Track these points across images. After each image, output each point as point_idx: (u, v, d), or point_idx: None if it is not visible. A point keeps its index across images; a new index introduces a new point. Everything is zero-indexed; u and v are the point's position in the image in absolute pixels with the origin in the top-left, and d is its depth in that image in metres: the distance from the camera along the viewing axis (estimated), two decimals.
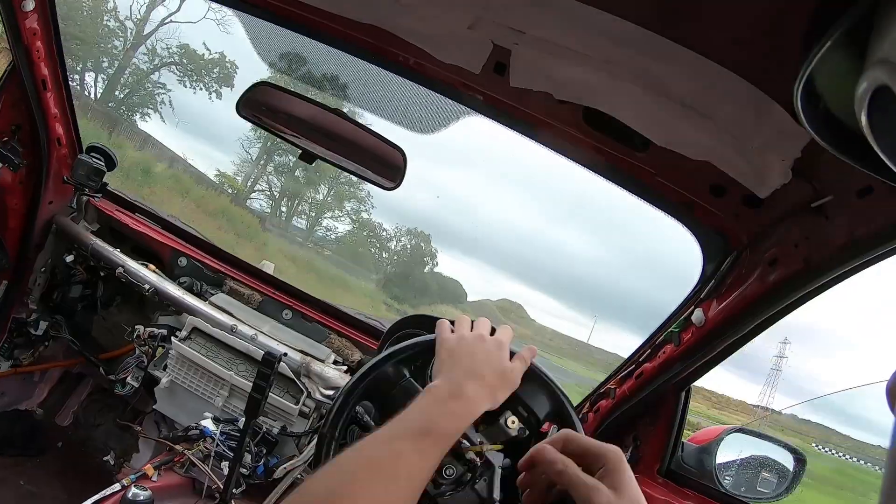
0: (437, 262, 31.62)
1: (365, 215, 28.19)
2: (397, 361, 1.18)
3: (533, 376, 1.24)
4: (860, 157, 0.52)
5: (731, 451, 1.58)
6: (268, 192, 25.45)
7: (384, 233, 29.97)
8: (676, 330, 1.41)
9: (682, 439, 1.61)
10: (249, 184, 24.79)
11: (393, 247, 30.58)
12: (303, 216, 26.96)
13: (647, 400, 1.55)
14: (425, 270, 31.22)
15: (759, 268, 1.15)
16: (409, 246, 31.02)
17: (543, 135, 1.32)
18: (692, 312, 1.34)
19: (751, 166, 1.05)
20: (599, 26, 0.95)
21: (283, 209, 26.26)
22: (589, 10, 0.93)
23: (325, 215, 27.32)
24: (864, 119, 0.44)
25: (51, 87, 1.86)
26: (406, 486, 0.67)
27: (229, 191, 23.44)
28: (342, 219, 27.61)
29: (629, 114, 1.10)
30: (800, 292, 1.08)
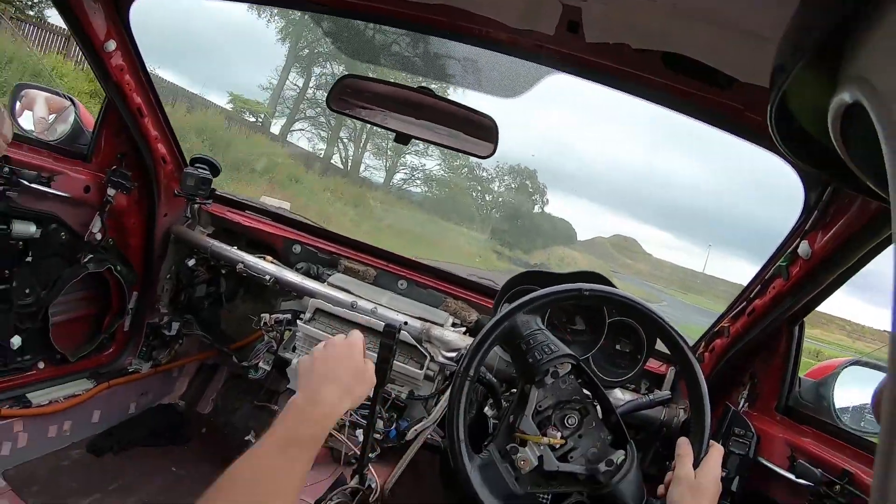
0: (546, 200, 28.53)
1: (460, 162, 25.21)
2: (530, 310, 1.27)
3: (652, 321, 1.28)
4: (831, 171, 0.55)
5: (848, 385, 1.53)
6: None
7: (484, 173, 26.86)
8: (784, 264, 1.40)
9: (800, 374, 1.60)
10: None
11: (496, 188, 27.57)
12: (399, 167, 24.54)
13: (761, 337, 1.55)
14: (534, 210, 28.48)
15: (860, 196, 1.11)
16: (513, 185, 27.81)
17: (627, 84, 1.32)
18: (798, 245, 1.33)
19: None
20: None
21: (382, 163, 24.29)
22: None
23: (422, 163, 24.23)
24: (837, 135, 0.45)
25: (147, 113, 2.01)
26: (285, 491, 0.83)
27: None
28: (437, 165, 24.45)
29: (708, 53, 1.09)
30: None
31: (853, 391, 1.52)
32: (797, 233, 1.36)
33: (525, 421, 1.21)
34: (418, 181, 24.67)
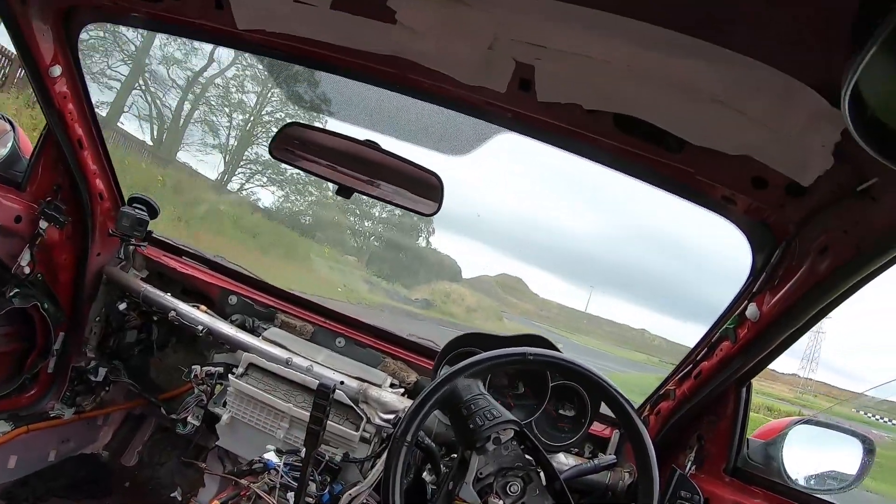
0: (432, 230, 25.49)
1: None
2: (472, 374, 1.23)
3: (596, 385, 1.26)
4: None
5: (797, 444, 1.53)
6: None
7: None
8: (732, 326, 1.40)
9: (747, 436, 1.58)
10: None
11: (377, 213, 23.45)
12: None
13: (709, 399, 1.53)
14: (418, 244, 25.76)
15: (810, 257, 1.13)
16: (398, 212, 23.12)
17: (578, 145, 1.32)
18: (746, 308, 1.33)
19: (791, 155, 1.04)
20: (618, 31, 0.95)
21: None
22: (606, 17, 0.93)
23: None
24: None
25: (87, 146, 1.94)
26: None
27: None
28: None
29: (660, 116, 1.10)
30: (854, 278, 1.06)
31: (803, 451, 1.52)
32: (744, 295, 1.36)
33: (465, 489, 1.17)
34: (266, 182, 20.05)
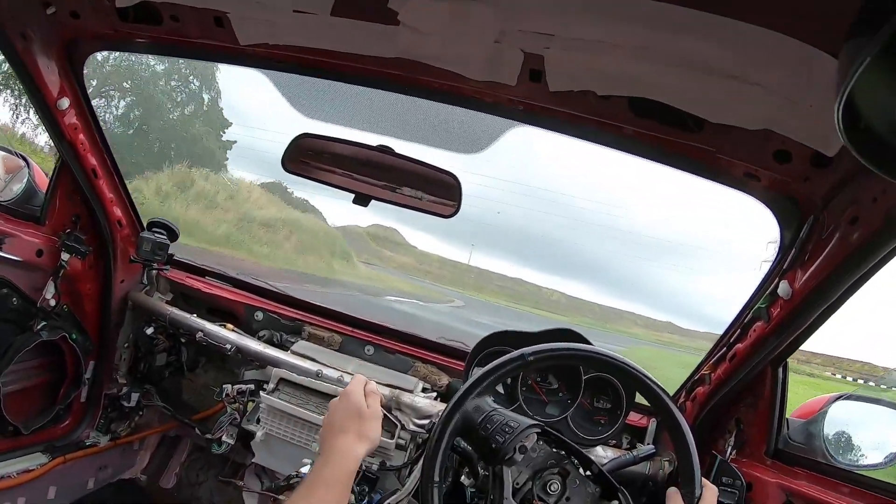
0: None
1: None
2: (478, 393, 1.20)
3: (628, 374, 1.23)
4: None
5: (839, 420, 1.50)
6: None
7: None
8: (764, 305, 1.37)
9: (787, 416, 1.55)
10: None
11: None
12: None
13: (745, 381, 1.51)
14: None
15: (840, 228, 1.10)
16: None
17: (594, 133, 1.31)
18: (777, 285, 1.30)
19: (813, 125, 1.01)
20: (626, 13, 0.94)
21: None
22: None
23: None
24: None
25: (101, 174, 1.97)
26: None
27: None
28: None
29: (676, 96, 1.08)
30: (886, 248, 1.03)
31: (845, 427, 1.49)
32: (774, 273, 1.33)
33: (507, 503, 1.14)
34: None
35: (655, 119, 1.15)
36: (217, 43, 1.42)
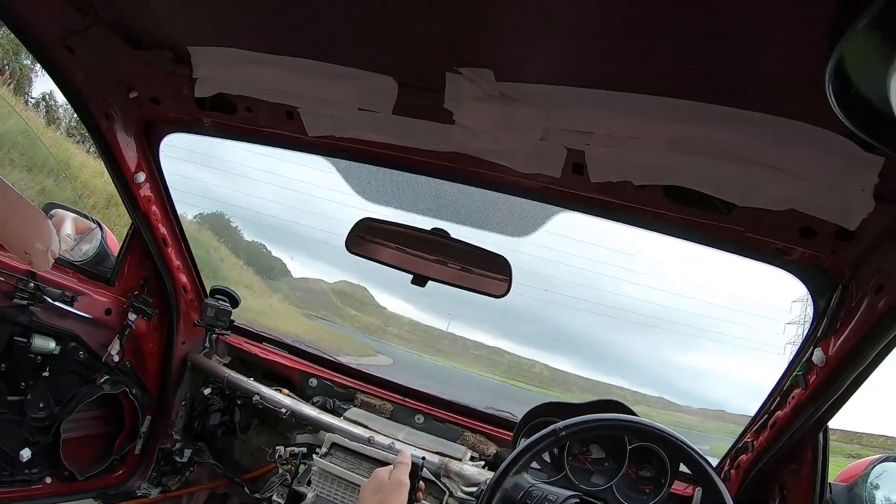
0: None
1: None
2: (516, 470, 1.24)
3: (671, 444, 1.28)
4: (891, 142, 0.55)
5: (881, 481, 1.48)
6: None
7: None
8: (801, 373, 1.41)
9: (829, 480, 1.56)
10: None
11: None
12: None
13: (787, 447, 1.53)
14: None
15: (868, 297, 1.15)
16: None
17: (632, 218, 1.39)
18: (812, 353, 1.34)
19: (833, 202, 1.08)
20: (655, 110, 1.04)
21: None
22: (643, 99, 1.03)
23: None
24: None
25: (171, 243, 2.12)
26: None
27: None
28: None
29: (705, 183, 1.16)
30: None
31: (887, 487, 1.48)
32: (809, 341, 1.38)
33: None
34: None
35: (688, 204, 1.24)
36: (287, 133, 1.54)
